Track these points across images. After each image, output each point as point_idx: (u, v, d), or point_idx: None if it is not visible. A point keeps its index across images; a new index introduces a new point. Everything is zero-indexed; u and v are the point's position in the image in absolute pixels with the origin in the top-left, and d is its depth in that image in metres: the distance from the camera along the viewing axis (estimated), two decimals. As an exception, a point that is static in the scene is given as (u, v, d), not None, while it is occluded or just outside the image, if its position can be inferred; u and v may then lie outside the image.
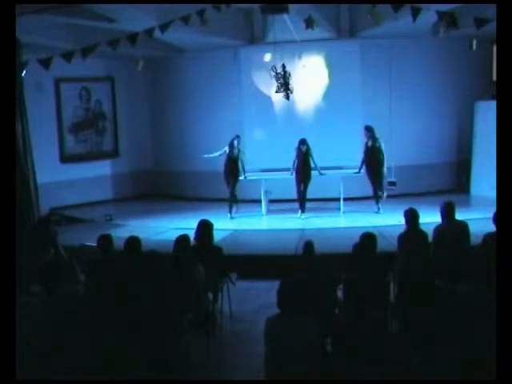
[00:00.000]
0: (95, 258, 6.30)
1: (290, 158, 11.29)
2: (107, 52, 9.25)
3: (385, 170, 11.02)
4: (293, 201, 11.40)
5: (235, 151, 11.31)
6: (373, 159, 10.98)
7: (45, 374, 4.43)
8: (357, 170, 11.19)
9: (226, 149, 11.31)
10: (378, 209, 11.10)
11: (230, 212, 11.40)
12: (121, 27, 9.88)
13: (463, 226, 6.55)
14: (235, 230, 10.22)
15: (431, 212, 7.68)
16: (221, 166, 13.14)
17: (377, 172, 11.03)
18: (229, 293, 6.83)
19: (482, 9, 8.19)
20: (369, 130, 11.00)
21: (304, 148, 10.97)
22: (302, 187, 11.15)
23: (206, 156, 11.82)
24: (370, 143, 10.96)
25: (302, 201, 11.18)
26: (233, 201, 11.50)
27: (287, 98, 11.02)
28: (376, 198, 11.17)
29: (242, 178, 11.53)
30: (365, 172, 11.12)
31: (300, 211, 11.16)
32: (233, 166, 11.35)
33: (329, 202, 11.28)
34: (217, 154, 11.51)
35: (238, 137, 11.42)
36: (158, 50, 12.59)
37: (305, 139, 11.05)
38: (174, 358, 5.06)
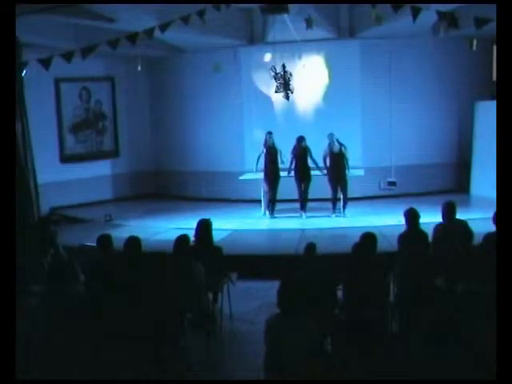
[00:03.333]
0: (95, 258, 6.29)
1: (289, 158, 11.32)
2: (107, 52, 9.24)
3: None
4: (293, 201, 11.39)
5: (272, 149, 11.15)
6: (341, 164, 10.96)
7: (45, 374, 4.43)
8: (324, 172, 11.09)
9: (263, 150, 11.21)
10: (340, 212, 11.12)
11: (269, 210, 11.31)
12: (121, 27, 9.88)
13: (463, 226, 6.55)
14: (235, 230, 10.21)
15: (431, 212, 7.67)
16: (221, 167, 13.23)
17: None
18: (229, 293, 6.83)
19: (482, 9, 8.18)
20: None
21: (303, 144, 10.94)
22: (302, 187, 11.15)
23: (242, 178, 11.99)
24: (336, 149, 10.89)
25: (304, 201, 11.17)
26: (274, 201, 11.34)
27: (287, 97, 11.03)
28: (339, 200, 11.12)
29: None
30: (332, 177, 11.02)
31: (301, 212, 11.15)
32: (272, 165, 11.19)
33: (329, 202, 11.26)
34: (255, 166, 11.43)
35: (269, 133, 11.23)
36: (158, 50, 12.59)
37: (303, 136, 11.03)
38: (174, 358, 5.07)
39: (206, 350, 5.77)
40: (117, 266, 5.82)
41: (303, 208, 11.18)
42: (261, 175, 11.55)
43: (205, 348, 5.77)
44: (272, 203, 11.33)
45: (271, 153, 11.20)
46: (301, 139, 11.01)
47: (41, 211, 9.75)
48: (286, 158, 11.12)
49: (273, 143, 11.21)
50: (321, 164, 11.07)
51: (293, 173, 11.14)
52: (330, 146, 10.91)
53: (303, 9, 10.33)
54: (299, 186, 11.16)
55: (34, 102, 10.48)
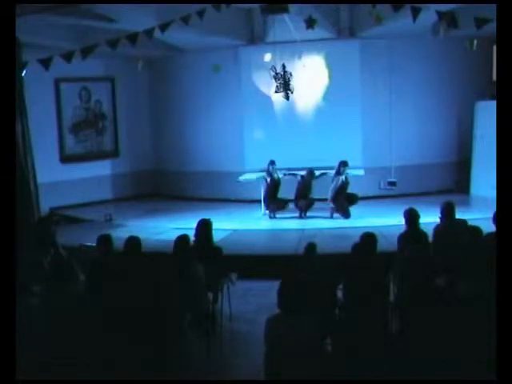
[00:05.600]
0: (95, 257, 6.29)
1: (289, 158, 11.30)
2: (107, 52, 9.24)
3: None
4: (293, 200, 11.38)
5: (275, 176, 11.27)
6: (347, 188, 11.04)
7: (45, 374, 4.43)
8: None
9: (268, 179, 11.25)
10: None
11: (272, 213, 11.31)
12: (121, 27, 9.88)
13: (463, 225, 6.55)
14: (235, 230, 10.21)
15: (431, 212, 7.67)
16: (221, 167, 13.24)
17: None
18: (229, 293, 6.83)
19: (482, 9, 8.18)
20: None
21: (311, 176, 11.05)
22: (302, 210, 11.14)
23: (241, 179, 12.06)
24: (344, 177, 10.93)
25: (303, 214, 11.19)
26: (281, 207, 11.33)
27: (287, 98, 11.03)
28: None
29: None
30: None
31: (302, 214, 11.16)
32: (274, 191, 11.29)
33: (329, 202, 11.25)
34: (254, 176, 11.60)
35: (272, 163, 11.29)
36: (158, 50, 12.59)
37: (312, 169, 11.11)
38: (174, 358, 5.06)
39: (206, 350, 5.77)
40: (117, 266, 5.82)
41: (303, 214, 11.18)
42: (261, 175, 11.59)
43: (205, 348, 5.77)
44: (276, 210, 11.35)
45: (274, 185, 11.25)
46: (310, 172, 11.10)
47: (41, 211, 9.76)
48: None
49: (276, 174, 11.24)
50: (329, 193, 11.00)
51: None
52: (341, 173, 10.86)
53: (303, 9, 10.32)
54: (299, 210, 11.17)
55: (34, 102, 10.50)
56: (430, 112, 12.74)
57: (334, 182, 10.89)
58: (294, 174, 11.38)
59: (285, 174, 11.45)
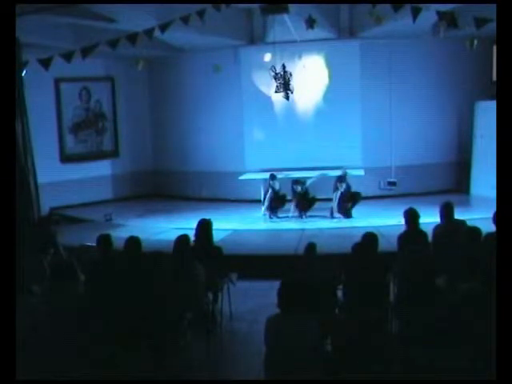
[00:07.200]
0: (95, 258, 6.29)
1: (289, 158, 11.27)
2: (107, 52, 9.25)
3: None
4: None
5: (276, 188, 11.26)
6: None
7: (45, 374, 4.42)
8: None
9: (270, 191, 11.21)
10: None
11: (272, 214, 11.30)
12: (121, 27, 9.88)
13: (462, 225, 6.55)
14: (235, 230, 10.21)
15: (431, 212, 7.67)
16: (221, 167, 13.25)
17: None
18: (229, 293, 6.83)
19: (482, 9, 8.18)
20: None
21: (299, 188, 10.99)
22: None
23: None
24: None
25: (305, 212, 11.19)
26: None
27: (287, 98, 11.03)
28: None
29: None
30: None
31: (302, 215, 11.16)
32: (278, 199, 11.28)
33: (329, 202, 11.26)
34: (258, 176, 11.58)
35: (273, 177, 11.25)
36: (158, 50, 12.60)
37: (299, 180, 11.05)
38: (174, 358, 5.07)
39: (206, 350, 5.77)
40: (117, 266, 5.82)
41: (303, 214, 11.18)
42: (261, 175, 11.58)
43: (205, 348, 5.77)
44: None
45: (278, 198, 11.20)
46: (296, 183, 11.04)
47: (41, 211, 9.75)
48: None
49: (278, 187, 11.21)
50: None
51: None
52: (339, 189, 10.85)
53: (303, 9, 10.33)
54: (299, 210, 11.17)
55: (34, 102, 10.49)
56: (430, 112, 12.73)
57: (334, 195, 10.88)
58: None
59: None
